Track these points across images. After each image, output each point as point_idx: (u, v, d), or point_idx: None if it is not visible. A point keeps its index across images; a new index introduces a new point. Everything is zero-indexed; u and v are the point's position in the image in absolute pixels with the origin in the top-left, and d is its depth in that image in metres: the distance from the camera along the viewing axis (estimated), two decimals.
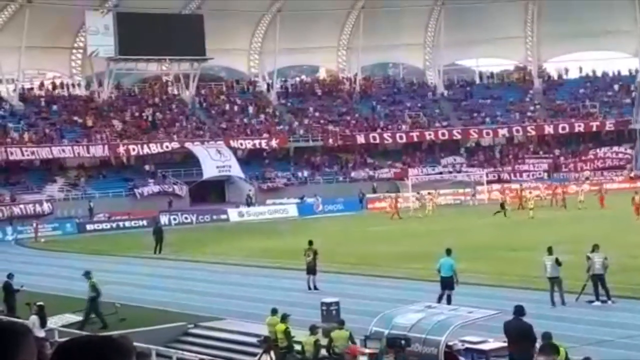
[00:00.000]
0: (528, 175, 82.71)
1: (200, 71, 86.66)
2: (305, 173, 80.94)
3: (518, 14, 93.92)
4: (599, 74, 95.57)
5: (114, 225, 65.26)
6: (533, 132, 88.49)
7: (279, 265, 38.68)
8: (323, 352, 20.17)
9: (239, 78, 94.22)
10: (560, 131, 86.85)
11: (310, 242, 32.26)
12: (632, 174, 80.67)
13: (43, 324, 23.49)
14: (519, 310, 17.89)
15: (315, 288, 30.93)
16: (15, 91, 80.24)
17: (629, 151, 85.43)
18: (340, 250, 40.65)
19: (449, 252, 27.11)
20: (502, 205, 57.96)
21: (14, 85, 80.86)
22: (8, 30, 77.14)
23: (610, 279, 26.25)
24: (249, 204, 72.23)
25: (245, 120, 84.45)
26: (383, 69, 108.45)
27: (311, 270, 31.42)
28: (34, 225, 60.83)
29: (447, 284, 26.11)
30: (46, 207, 66.80)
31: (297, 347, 20.80)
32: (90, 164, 76.68)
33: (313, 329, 20.24)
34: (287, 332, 20.90)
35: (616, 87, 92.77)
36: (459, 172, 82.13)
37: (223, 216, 68.47)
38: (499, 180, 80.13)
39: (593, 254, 25.94)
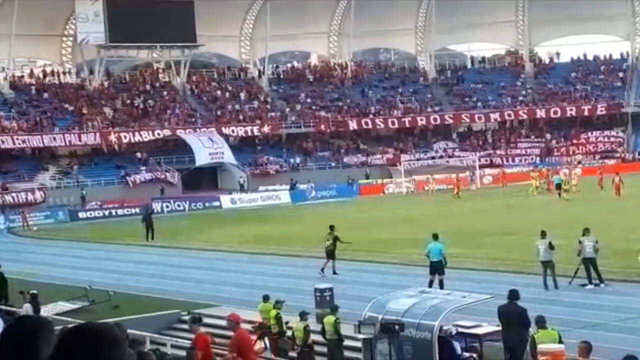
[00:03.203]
0: (520, 160, 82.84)
1: (191, 58, 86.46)
2: (298, 159, 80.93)
3: None
4: (590, 57, 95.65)
5: (107, 213, 65.17)
6: (525, 116, 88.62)
7: (272, 251, 38.72)
8: (315, 337, 20.22)
9: (230, 65, 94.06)
10: (552, 115, 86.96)
11: (332, 227, 31.93)
12: (624, 157, 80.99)
13: (36, 312, 23.47)
14: (513, 295, 17.93)
15: (334, 272, 30.54)
16: (5, 79, 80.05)
17: (620, 134, 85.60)
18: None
19: (435, 236, 27.06)
20: (559, 186, 57.55)
21: (5, 74, 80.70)
22: None
23: (602, 262, 26.33)
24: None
25: (237, 106, 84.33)
26: (374, 55, 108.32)
27: (330, 254, 31.17)
28: (22, 212, 60.63)
29: (437, 268, 26.12)
30: (38, 195, 66.72)
31: (289, 333, 20.86)
32: (82, 152, 76.52)
33: (303, 315, 20.30)
34: (278, 318, 20.96)
35: (607, 70, 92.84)
36: (451, 157, 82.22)
37: (215, 203, 68.44)
38: (491, 165, 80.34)
39: (584, 238, 25.97)
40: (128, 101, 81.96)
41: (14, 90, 79.88)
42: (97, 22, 78.98)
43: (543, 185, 62.73)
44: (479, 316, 19.45)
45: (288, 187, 72.95)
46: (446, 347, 17.19)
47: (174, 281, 32.34)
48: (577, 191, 57.55)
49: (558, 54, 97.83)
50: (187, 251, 41.63)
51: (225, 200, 69.07)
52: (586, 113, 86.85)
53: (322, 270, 30.69)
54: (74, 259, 41.66)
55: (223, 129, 78.98)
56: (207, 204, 68.03)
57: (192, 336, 17.34)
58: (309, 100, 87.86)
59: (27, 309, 23.44)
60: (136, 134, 75.97)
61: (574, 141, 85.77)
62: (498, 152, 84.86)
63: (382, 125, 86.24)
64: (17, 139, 71.85)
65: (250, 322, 22.15)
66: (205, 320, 24.99)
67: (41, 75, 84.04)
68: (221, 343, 20.50)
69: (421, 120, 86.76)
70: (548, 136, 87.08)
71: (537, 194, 60.58)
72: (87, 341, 3.05)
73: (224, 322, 24.14)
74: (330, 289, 23.20)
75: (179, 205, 67.71)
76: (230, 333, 17.11)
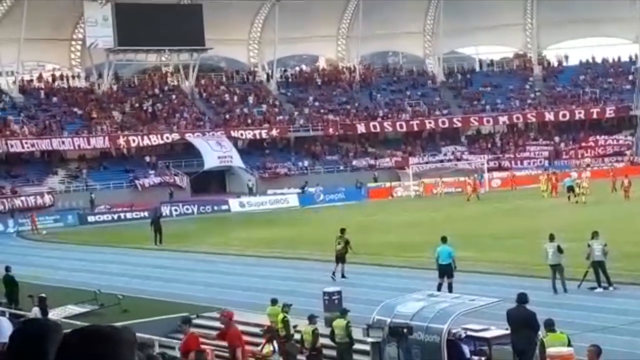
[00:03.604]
0: (529, 163, 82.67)
1: (200, 61, 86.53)
2: (306, 163, 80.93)
3: (517, 0, 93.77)
4: (598, 60, 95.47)
5: (116, 216, 65.28)
6: (533, 119, 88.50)
7: (280, 255, 38.72)
8: (323, 340, 20.22)
9: (239, 68, 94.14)
10: (561, 118, 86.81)
11: (342, 230, 31.74)
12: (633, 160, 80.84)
13: (44, 315, 23.53)
14: (522, 298, 17.90)
15: (343, 276, 30.47)
16: (14, 83, 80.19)
17: (629, 138, 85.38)
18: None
19: (444, 239, 27.01)
20: (572, 189, 57.26)
21: (14, 78, 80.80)
22: (7, 22, 77.06)
23: (612, 265, 26.26)
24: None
25: (246, 110, 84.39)
26: (383, 58, 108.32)
27: (340, 258, 30.99)
28: (31, 216, 60.84)
29: (446, 272, 26.06)
30: (47, 199, 66.83)
31: (298, 336, 20.88)
32: (91, 156, 76.65)
33: (312, 319, 20.31)
34: (285, 321, 20.96)
35: (616, 73, 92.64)
36: (460, 160, 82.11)
37: (224, 207, 68.50)
38: (500, 168, 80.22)
39: (593, 241, 25.89)
40: (137, 105, 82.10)
41: (23, 94, 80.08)
42: (105, 26, 79.14)
43: (548, 188, 62.53)
44: (488, 319, 19.42)
45: (297, 190, 73.00)
46: (455, 351, 17.18)
47: (182, 285, 32.34)
48: (588, 194, 57.34)
49: (566, 57, 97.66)
50: (196, 255, 41.64)
51: (234, 204, 69.14)
52: (595, 116, 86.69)
53: (334, 274, 30.62)
54: (83, 262, 41.70)
55: (232, 132, 79.08)
56: (215, 208, 68.10)
57: (185, 336, 17.83)
58: (317, 103, 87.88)
59: (35, 312, 23.51)
60: (145, 137, 76.09)
61: (583, 144, 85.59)
62: (507, 155, 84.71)
63: (391, 129, 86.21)
64: (26, 143, 72.00)
65: (258, 325, 22.18)
66: (212, 324, 25.06)
67: (50, 79, 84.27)
68: (216, 345, 20.60)
69: (429, 123, 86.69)
70: (557, 139, 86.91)
71: (546, 196, 60.48)
72: (93, 343, 3.04)
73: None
74: (339, 293, 23.19)
75: (187, 209, 67.80)
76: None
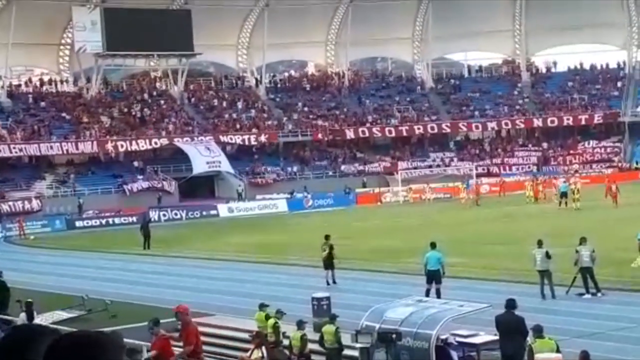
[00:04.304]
0: (517, 169, 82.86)
1: (189, 66, 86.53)
2: (295, 168, 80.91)
3: (506, 7, 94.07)
4: (587, 66, 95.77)
5: (104, 221, 65.15)
6: (522, 125, 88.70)
7: (268, 260, 38.67)
8: (312, 346, 20.18)
9: (228, 73, 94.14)
10: (549, 124, 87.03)
11: (327, 237, 31.62)
12: (621, 166, 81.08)
13: (30, 320, 23.40)
14: (511, 304, 17.91)
15: (334, 282, 30.50)
16: (2, 88, 79.98)
17: (617, 144, 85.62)
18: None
19: (433, 245, 27.01)
20: (565, 194, 57.10)
21: (2, 82, 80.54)
22: None
23: (600, 271, 26.28)
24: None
25: (234, 115, 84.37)
26: (371, 64, 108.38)
27: (328, 264, 30.96)
28: (19, 221, 60.63)
29: (434, 277, 26.06)
30: (35, 204, 66.66)
31: (286, 342, 20.83)
32: (79, 161, 76.52)
33: (300, 324, 20.26)
34: (275, 327, 20.90)
35: (604, 79, 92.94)
36: (448, 165, 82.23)
37: (213, 212, 68.41)
38: (489, 174, 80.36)
39: (581, 247, 25.93)
40: (125, 110, 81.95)
41: (11, 98, 79.88)
42: (94, 31, 79.03)
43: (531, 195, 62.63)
44: (477, 325, 19.42)
45: (286, 195, 73.01)
46: (443, 356, 17.17)
47: (170, 290, 32.23)
48: (580, 200, 57.45)
49: (555, 63, 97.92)
50: (184, 260, 41.56)
51: (223, 209, 69.06)
52: (583, 122, 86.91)
53: (333, 281, 30.62)
54: (71, 267, 41.60)
55: (220, 137, 79.02)
56: (204, 213, 68.01)
57: (155, 337, 17.84)
58: (306, 108, 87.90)
59: (23, 318, 23.38)
60: (133, 142, 75.98)
61: (571, 150, 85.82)
62: (495, 161, 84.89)
63: (379, 134, 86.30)
64: (14, 148, 71.83)
65: (247, 331, 22.12)
66: (202, 329, 24.99)
67: (38, 84, 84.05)
68: (205, 350, 20.53)
69: (418, 129, 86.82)
70: (545, 145, 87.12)
71: (529, 202, 60.57)
72: (82, 348, 3.02)
73: (220, 331, 24.17)
74: (328, 298, 23.15)
75: (176, 214, 67.68)
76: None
